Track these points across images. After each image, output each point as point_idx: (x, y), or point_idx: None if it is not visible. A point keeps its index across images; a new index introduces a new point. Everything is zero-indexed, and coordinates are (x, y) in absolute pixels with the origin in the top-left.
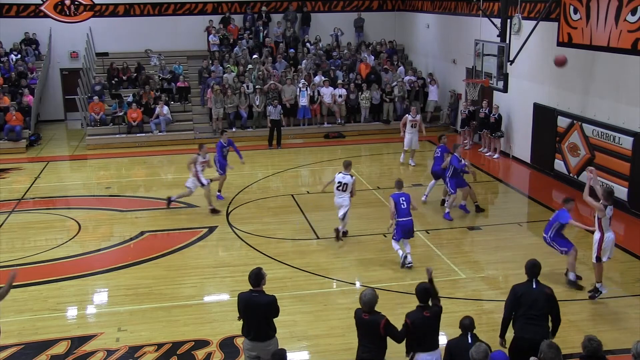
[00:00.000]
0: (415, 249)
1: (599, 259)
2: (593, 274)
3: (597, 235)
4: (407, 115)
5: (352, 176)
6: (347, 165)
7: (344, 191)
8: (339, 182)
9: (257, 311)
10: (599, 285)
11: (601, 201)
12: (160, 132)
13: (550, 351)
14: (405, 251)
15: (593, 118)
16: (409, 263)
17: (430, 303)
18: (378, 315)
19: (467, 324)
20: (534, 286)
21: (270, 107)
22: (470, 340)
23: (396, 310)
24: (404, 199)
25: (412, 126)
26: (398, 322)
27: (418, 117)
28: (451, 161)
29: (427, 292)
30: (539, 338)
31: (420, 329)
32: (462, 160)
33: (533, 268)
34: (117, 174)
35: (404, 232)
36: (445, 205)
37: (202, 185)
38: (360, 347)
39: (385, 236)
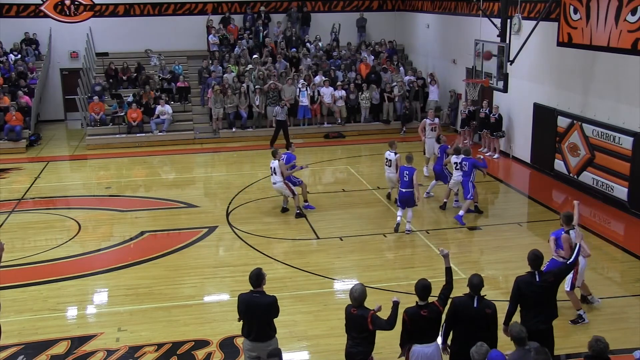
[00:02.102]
0: (415, 249)
1: (573, 286)
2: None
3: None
4: (425, 119)
5: (396, 153)
6: (391, 144)
7: (390, 166)
8: (386, 159)
9: (258, 312)
10: (582, 312)
11: (564, 227)
12: (160, 132)
13: (539, 357)
14: (405, 221)
15: (593, 118)
16: (407, 230)
17: (429, 300)
18: (365, 310)
19: (475, 283)
20: (537, 279)
21: (277, 107)
22: (475, 304)
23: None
24: (407, 172)
25: (432, 130)
26: (398, 322)
27: (437, 120)
28: (477, 165)
29: (426, 290)
30: (543, 327)
31: (417, 326)
32: (480, 158)
33: (536, 260)
34: (117, 174)
35: (402, 201)
36: (455, 205)
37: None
38: (349, 341)
39: (385, 236)
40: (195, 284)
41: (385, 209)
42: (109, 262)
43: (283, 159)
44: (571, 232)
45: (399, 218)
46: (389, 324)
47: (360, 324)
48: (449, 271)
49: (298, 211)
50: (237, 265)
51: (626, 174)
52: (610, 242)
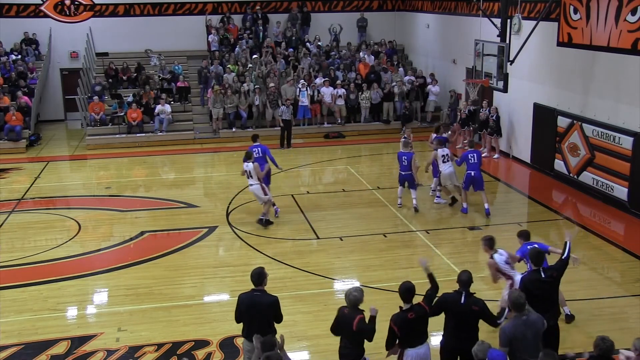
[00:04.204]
0: (415, 249)
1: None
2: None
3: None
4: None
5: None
6: (406, 130)
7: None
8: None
9: (259, 311)
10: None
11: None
12: (160, 132)
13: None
14: (413, 199)
15: (593, 118)
16: (415, 207)
17: (414, 302)
18: (356, 312)
19: (464, 280)
20: (543, 275)
21: (282, 107)
22: (463, 300)
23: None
24: (405, 157)
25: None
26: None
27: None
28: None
29: (409, 292)
30: (552, 323)
31: (406, 330)
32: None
33: (539, 257)
34: (117, 174)
35: (402, 181)
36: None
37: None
38: (341, 342)
39: (385, 236)
40: (195, 284)
41: (386, 208)
42: (109, 262)
43: (259, 153)
44: (495, 255)
45: (399, 200)
46: (370, 332)
47: (348, 324)
48: (431, 277)
49: (262, 217)
50: (237, 265)
51: (626, 174)
52: (610, 242)
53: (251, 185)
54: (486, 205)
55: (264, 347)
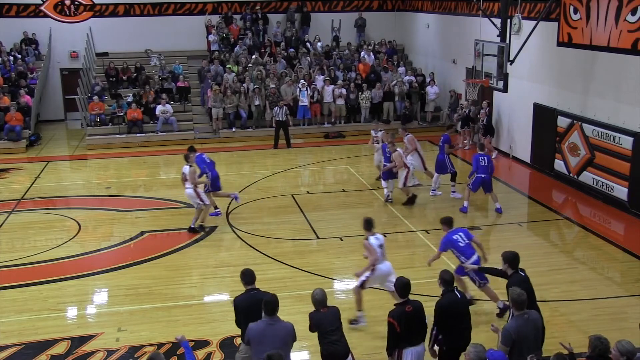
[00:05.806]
0: (415, 249)
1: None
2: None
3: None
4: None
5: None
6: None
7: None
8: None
9: (260, 308)
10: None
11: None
12: (162, 132)
13: None
14: (390, 190)
15: (593, 118)
16: (389, 200)
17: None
18: (330, 307)
19: (449, 279)
20: (524, 274)
21: (276, 108)
22: (459, 295)
23: None
24: (389, 150)
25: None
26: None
27: (407, 137)
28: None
29: (406, 288)
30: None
31: (407, 325)
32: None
33: (516, 258)
34: (117, 174)
35: (386, 173)
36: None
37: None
38: (327, 339)
39: (385, 236)
40: (195, 284)
41: (385, 208)
42: (109, 262)
43: (209, 159)
44: (371, 237)
45: (386, 191)
46: None
47: (336, 317)
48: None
49: (192, 226)
50: (237, 265)
51: (626, 174)
52: (610, 242)
53: (186, 188)
54: (497, 205)
55: (267, 307)
